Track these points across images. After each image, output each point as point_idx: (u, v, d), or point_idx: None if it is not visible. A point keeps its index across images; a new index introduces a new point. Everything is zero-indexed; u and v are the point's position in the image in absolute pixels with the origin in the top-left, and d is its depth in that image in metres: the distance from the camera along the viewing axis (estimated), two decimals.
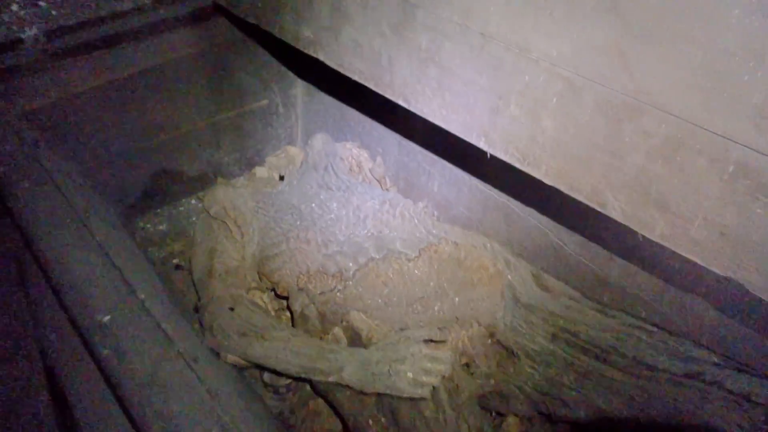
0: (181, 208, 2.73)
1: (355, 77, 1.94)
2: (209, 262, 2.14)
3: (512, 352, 1.77)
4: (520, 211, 2.07)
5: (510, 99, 1.57)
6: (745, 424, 1.41)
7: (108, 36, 2.29)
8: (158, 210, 2.72)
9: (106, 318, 1.47)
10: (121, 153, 2.51)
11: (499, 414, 1.78)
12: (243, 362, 1.85)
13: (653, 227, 1.40)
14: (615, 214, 1.46)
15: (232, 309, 1.95)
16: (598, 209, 1.49)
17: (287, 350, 1.77)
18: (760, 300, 1.52)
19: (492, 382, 1.76)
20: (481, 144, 1.68)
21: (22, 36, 2.21)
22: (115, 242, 1.77)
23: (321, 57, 1.97)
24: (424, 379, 1.58)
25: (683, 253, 1.37)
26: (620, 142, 1.39)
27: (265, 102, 2.83)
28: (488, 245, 2.02)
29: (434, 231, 2.14)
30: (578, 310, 1.78)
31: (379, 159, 2.52)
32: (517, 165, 1.62)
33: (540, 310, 1.82)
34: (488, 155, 1.67)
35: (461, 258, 2.00)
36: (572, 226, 1.90)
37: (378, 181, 2.49)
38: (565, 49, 1.39)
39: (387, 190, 2.50)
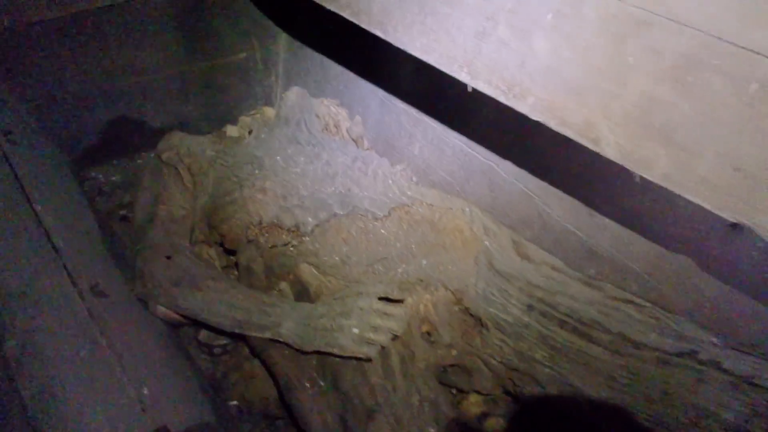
0: (139, 161, 2.50)
1: (330, 6, 1.74)
2: (153, 208, 1.91)
3: (480, 322, 1.53)
4: (505, 175, 1.85)
5: (499, 18, 1.36)
6: (745, 409, 1.18)
7: None
8: (114, 161, 2.50)
9: None
10: (78, 95, 2.29)
11: (459, 390, 1.53)
12: (175, 316, 1.62)
13: (653, 165, 1.18)
14: (609, 152, 1.24)
15: (169, 258, 1.72)
16: (591, 147, 1.27)
17: (222, 302, 1.54)
18: None
19: (454, 353, 1.52)
20: (463, 76, 1.47)
21: None
22: (42, 183, 1.56)
23: None
24: (372, 336, 1.34)
25: (688, 196, 1.15)
26: (623, 64, 1.18)
27: (243, 55, 2.61)
28: (467, 209, 1.79)
29: (409, 193, 1.92)
30: (560, 281, 1.56)
31: (357, 118, 2.30)
32: (502, 98, 1.40)
33: (517, 279, 1.59)
34: (469, 89, 1.46)
35: (435, 220, 1.78)
36: (561, 189, 1.69)
37: (355, 141, 2.26)
38: None
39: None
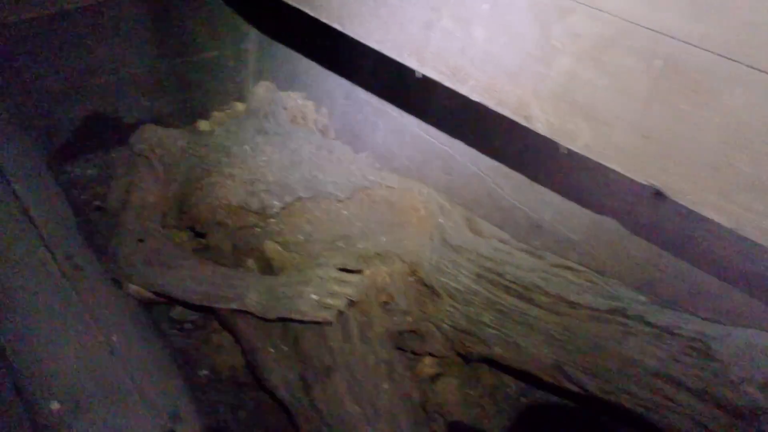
0: (114, 156, 2.58)
1: (293, 3, 1.86)
2: (126, 195, 2.01)
3: (434, 291, 1.65)
4: (460, 158, 1.98)
5: (443, 10, 1.49)
6: (665, 355, 1.31)
7: None
8: (89, 155, 2.58)
9: None
10: (54, 92, 2.37)
11: (414, 354, 1.66)
12: (147, 294, 1.72)
13: (577, 137, 1.32)
14: (540, 127, 1.37)
15: (141, 240, 1.82)
16: (524, 123, 1.40)
17: (191, 278, 1.65)
18: (693, 232, 1.44)
19: (409, 319, 1.64)
20: (413, 63, 1.59)
21: None
22: (20, 172, 1.65)
23: None
24: (329, 301, 1.46)
25: (606, 163, 1.28)
26: (549, 47, 1.31)
27: (214, 53, 2.71)
28: (424, 190, 1.91)
29: (371, 177, 2.03)
30: (507, 252, 1.68)
31: (323, 110, 2.42)
32: (447, 82, 1.53)
33: (468, 251, 1.71)
34: (418, 74, 1.58)
35: (393, 201, 1.90)
36: (509, 168, 1.82)
37: (321, 132, 2.38)
38: None
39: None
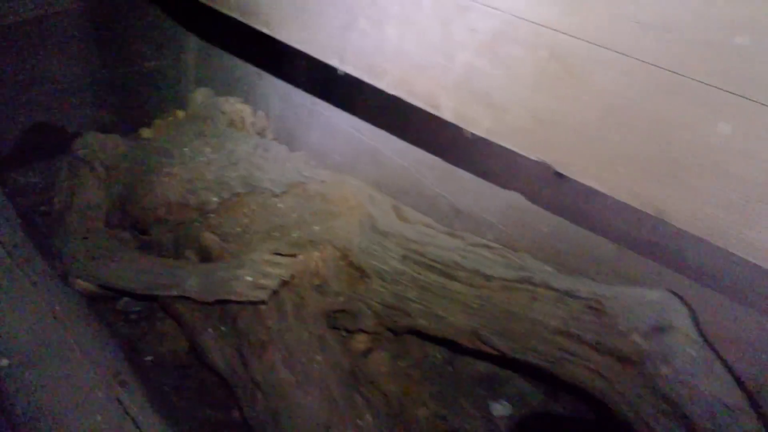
0: (57, 163, 2.65)
1: (225, 11, 1.97)
2: (70, 198, 2.09)
3: (364, 273, 1.78)
4: (388, 153, 2.12)
5: (359, 12, 1.62)
6: (566, 315, 1.46)
7: None
8: (34, 164, 2.64)
9: None
10: None
11: (348, 331, 1.78)
12: (93, 288, 1.80)
13: (479, 123, 1.47)
14: (447, 115, 1.52)
15: (86, 238, 1.90)
16: (434, 112, 1.54)
17: (134, 270, 1.74)
18: (587, 203, 1.60)
19: (341, 299, 1.76)
20: (335, 62, 1.72)
21: None
22: None
23: None
24: (263, 282, 1.57)
25: (504, 144, 1.43)
26: (451, 42, 1.46)
27: (155, 63, 2.81)
28: (354, 183, 2.04)
29: (305, 173, 2.15)
30: (430, 235, 1.82)
31: (260, 112, 2.53)
32: (365, 78, 1.66)
33: (395, 236, 1.84)
34: (340, 72, 1.72)
35: (326, 193, 2.02)
36: (432, 158, 1.97)
37: (259, 133, 2.49)
38: None
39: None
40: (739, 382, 1.33)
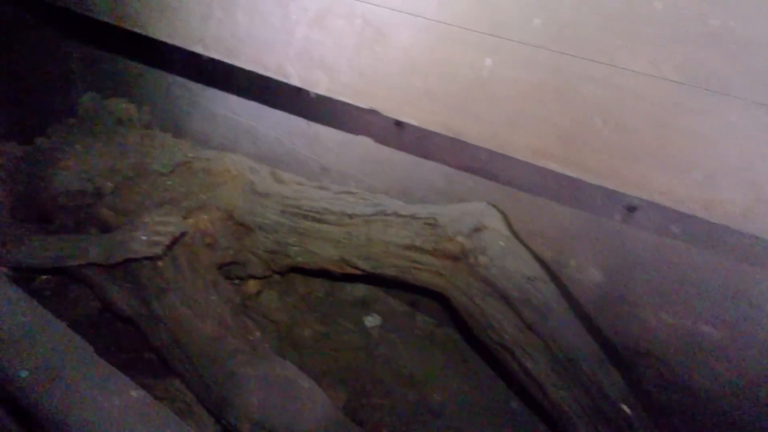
0: None
1: (101, 17, 2.21)
2: None
3: (248, 228, 2.06)
4: (263, 129, 2.40)
5: (213, 4, 1.91)
6: (411, 234, 1.80)
7: None
8: None
9: None
10: None
11: (240, 279, 2.06)
12: (4, 270, 2.00)
13: (320, 84, 1.78)
14: (295, 81, 1.83)
15: None
16: (285, 81, 1.85)
17: (42, 248, 1.95)
18: (420, 141, 1.94)
19: (231, 252, 2.04)
20: (199, 49, 2.00)
21: None
22: None
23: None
24: (156, 239, 1.83)
25: (341, 98, 1.76)
26: (289, 20, 1.77)
27: (41, 75, 2.96)
28: (235, 158, 2.32)
29: (191, 154, 2.41)
30: (303, 190, 2.12)
31: (145, 108, 2.76)
32: (226, 60, 1.95)
33: (273, 196, 2.13)
34: (203, 57, 1.99)
35: (210, 168, 2.29)
36: (301, 125, 2.27)
37: (146, 127, 2.72)
38: None
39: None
40: (539, 259, 1.71)
